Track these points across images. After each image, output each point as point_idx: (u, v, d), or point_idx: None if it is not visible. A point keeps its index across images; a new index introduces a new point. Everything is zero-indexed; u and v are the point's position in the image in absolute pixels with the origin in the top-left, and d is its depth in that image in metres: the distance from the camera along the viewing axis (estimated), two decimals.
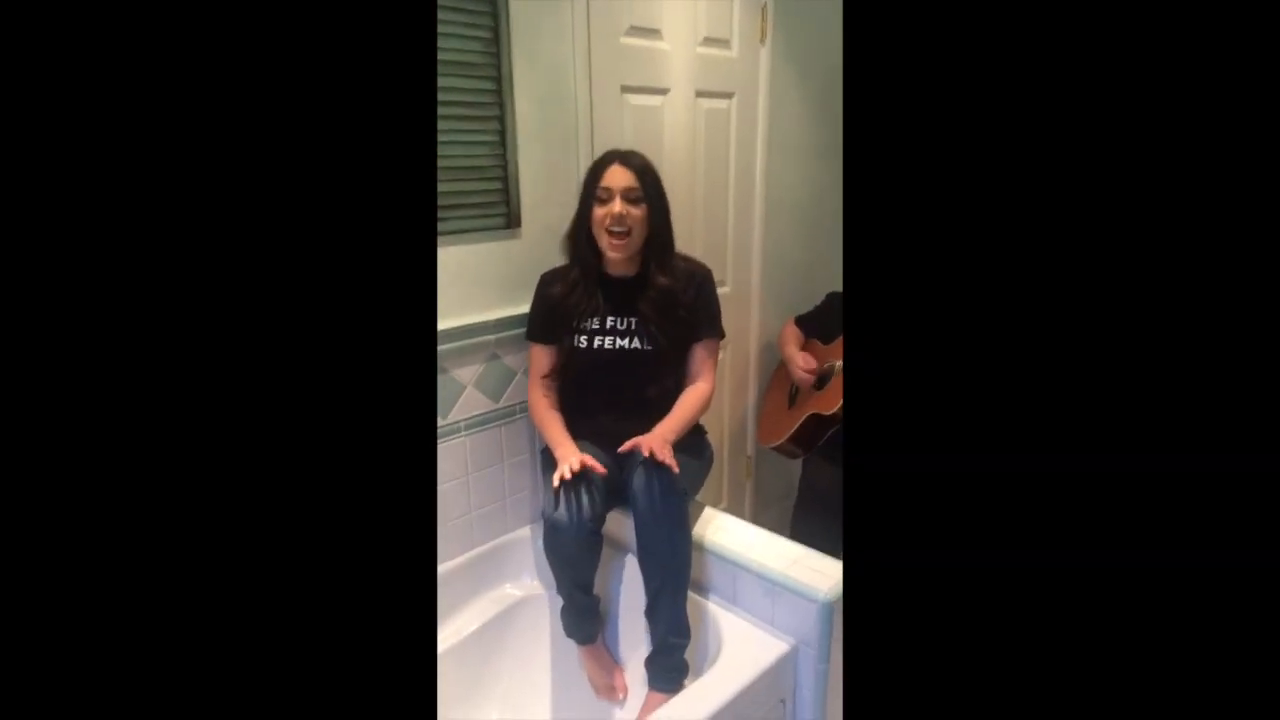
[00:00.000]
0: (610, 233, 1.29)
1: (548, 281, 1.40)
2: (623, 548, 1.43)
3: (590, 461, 1.22)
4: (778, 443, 1.91)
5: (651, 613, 1.27)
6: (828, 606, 1.17)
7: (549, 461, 1.36)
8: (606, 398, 1.37)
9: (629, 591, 1.41)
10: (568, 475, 1.20)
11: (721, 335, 1.44)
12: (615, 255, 1.32)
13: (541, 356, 1.40)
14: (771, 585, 1.24)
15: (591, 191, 1.31)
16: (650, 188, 1.31)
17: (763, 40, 1.83)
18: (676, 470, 1.21)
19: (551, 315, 1.37)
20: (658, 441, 1.23)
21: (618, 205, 1.28)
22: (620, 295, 1.37)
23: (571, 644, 1.39)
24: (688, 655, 1.29)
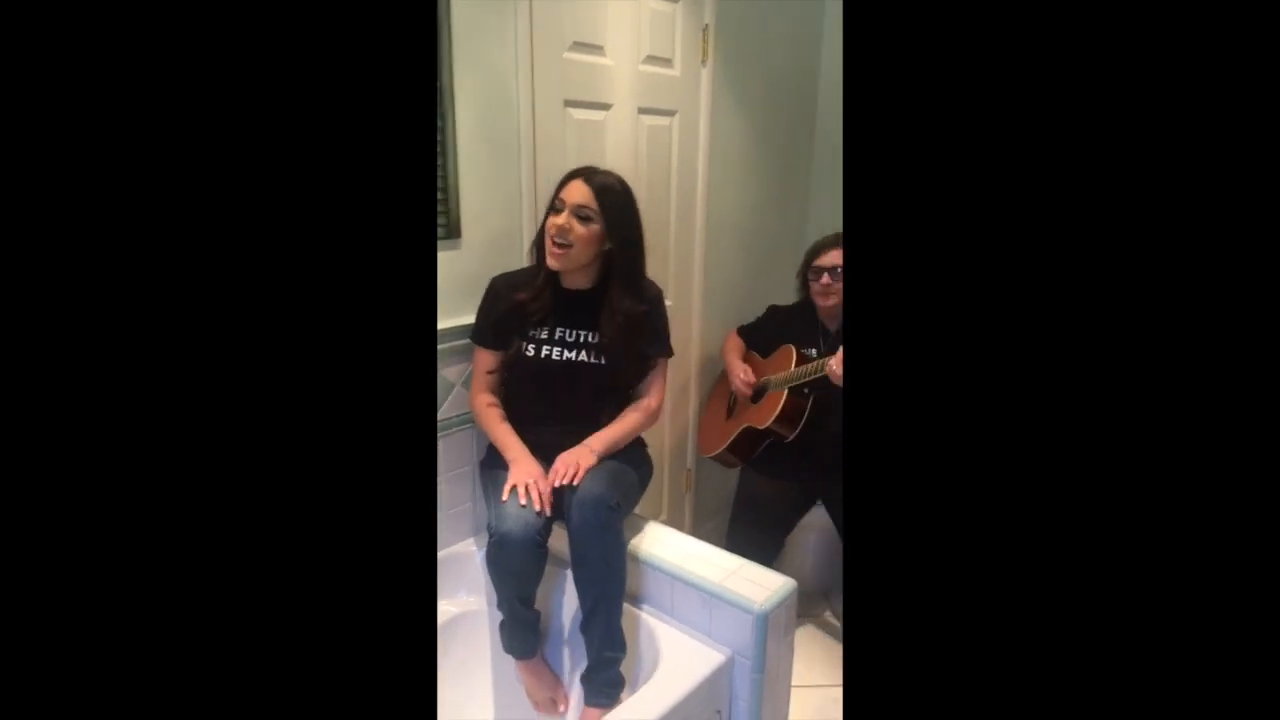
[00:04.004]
0: (553, 241, 1.30)
1: (505, 285, 1.38)
2: (564, 562, 1.43)
3: (545, 489, 1.24)
4: (716, 452, 1.94)
5: (587, 627, 1.27)
6: (763, 617, 1.20)
7: (492, 475, 1.35)
8: (548, 409, 1.37)
9: (571, 605, 1.41)
10: (533, 494, 1.22)
11: (671, 354, 1.46)
12: (553, 264, 1.32)
13: (489, 362, 1.39)
14: (708, 597, 1.26)
15: (551, 200, 1.32)
16: (609, 208, 1.30)
17: (704, 61, 1.87)
18: (576, 483, 1.23)
19: (506, 320, 1.36)
20: (575, 460, 1.26)
21: (563, 218, 1.28)
22: (571, 307, 1.37)
23: (512, 660, 1.38)
24: (624, 669, 1.29)
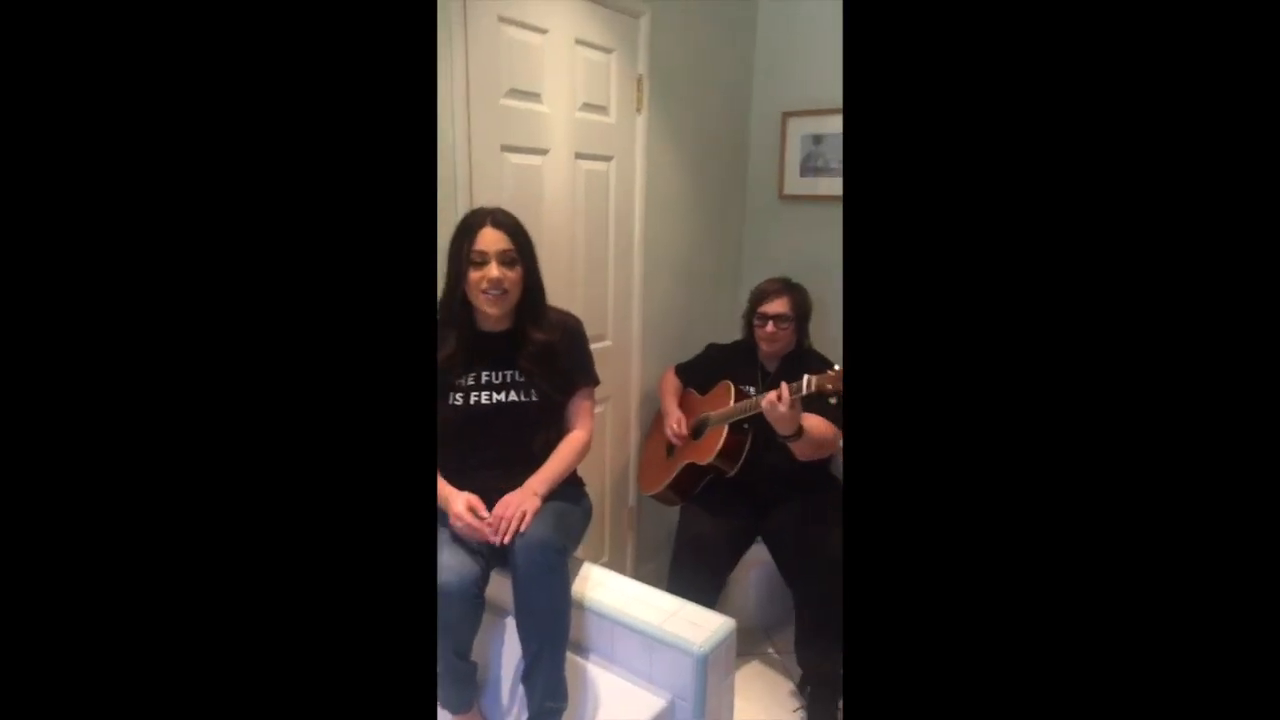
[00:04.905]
0: (486, 294, 1.30)
1: None
2: (502, 611, 1.40)
3: (475, 501, 1.24)
4: (657, 490, 1.94)
5: (529, 677, 1.25)
6: (703, 659, 1.20)
7: None
8: (486, 454, 1.35)
9: (510, 654, 1.38)
10: (464, 513, 1.22)
11: (596, 382, 1.48)
12: (494, 311, 1.32)
13: None
14: (649, 640, 1.25)
15: (464, 254, 1.30)
16: (523, 247, 1.32)
17: (639, 109, 1.92)
18: (524, 529, 1.23)
19: None
20: (519, 504, 1.25)
21: (494, 270, 1.28)
22: (494, 350, 1.37)
23: (447, 714, 1.33)
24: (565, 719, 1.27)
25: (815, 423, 1.64)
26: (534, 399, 1.36)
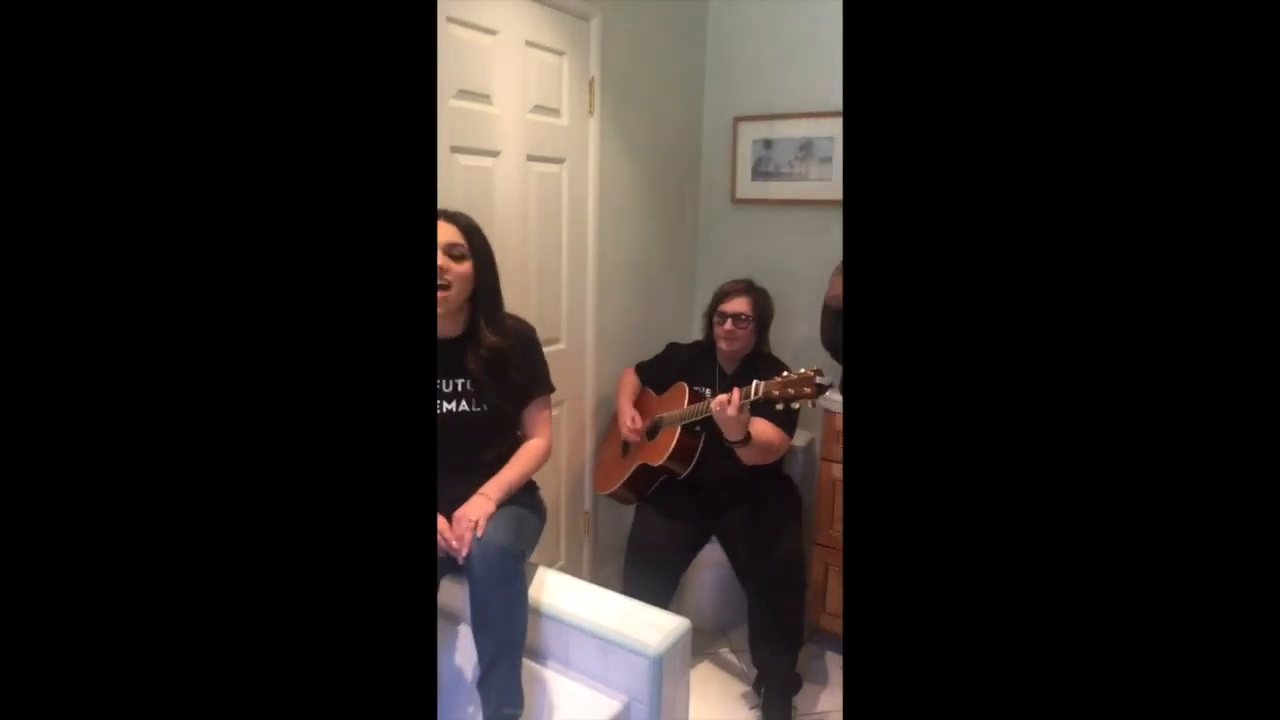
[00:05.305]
0: None
1: None
2: (453, 618, 1.38)
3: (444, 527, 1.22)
4: (612, 489, 1.95)
5: (484, 684, 1.23)
6: (658, 661, 1.20)
7: None
8: (439, 464, 1.33)
9: (463, 661, 1.36)
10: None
11: (552, 389, 1.47)
12: (439, 310, 1.30)
13: None
14: (604, 644, 1.25)
15: None
16: (477, 246, 1.32)
17: (591, 111, 1.92)
18: (480, 535, 1.22)
19: None
20: (474, 512, 1.25)
21: (439, 259, 1.27)
22: (445, 357, 1.35)
23: None
24: None
25: (763, 428, 1.65)
26: (484, 409, 1.35)
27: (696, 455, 1.78)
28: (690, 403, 1.79)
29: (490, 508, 1.26)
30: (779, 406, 1.51)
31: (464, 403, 1.34)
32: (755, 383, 1.51)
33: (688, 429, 1.76)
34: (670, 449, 1.76)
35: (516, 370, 1.38)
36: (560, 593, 1.36)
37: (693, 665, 1.90)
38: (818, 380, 1.44)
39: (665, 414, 1.84)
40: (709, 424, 1.68)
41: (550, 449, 1.44)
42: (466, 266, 1.30)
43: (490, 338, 1.34)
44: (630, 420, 1.89)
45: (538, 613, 1.33)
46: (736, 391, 1.52)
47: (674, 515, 1.82)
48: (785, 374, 1.49)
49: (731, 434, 1.57)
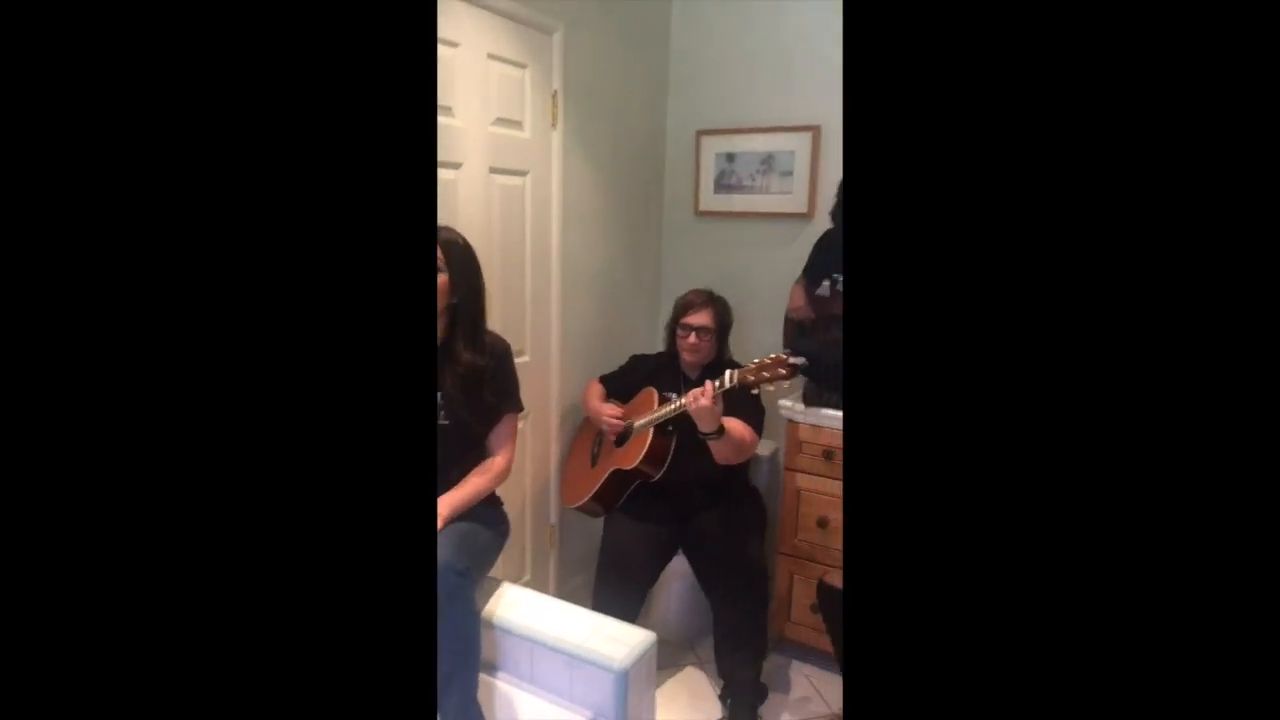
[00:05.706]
0: None
1: None
2: None
3: None
4: (581, 502, 1.94)
5: (442, 704, 1.21)
6: (623, 675, 1.19)
7: None
8: None
9: None
10: None
11: (520, 409, 1.46)
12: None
13: None
14: (569, 658, 1.24)
15: None
16: (455, 260, 1.31)
17: (554, 124, 1.93)
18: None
19: None
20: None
21: None
22: None
23: None
24: None
25: (735, 424, 1.68)
26: (450, 423, 1.34)
27: (669, 456, 1.79)
28: (660, 406, 1.80)
29: (436, 524, 1.25)
30: (754, 391, 1.54)
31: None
32: (728, 372, 1.54)
33: (660, 429, 1.77)
34: (644, 451, 1.76)
35: (490, 390, 1.37)
36: (525, 608, 1.35)
37: (661, 678, 1.90)
38: (791, 360, 1.47)
39: (636, 420, 1.84)
40: (681, 423, 1.69)
41: (510, 467, 1.43)
42: (442, 279, 1.29)
43: (467, 356, 1.33)
44: (610, 416, 1.89)
45: (503, 629, 1.31)
46: (709, 383, 1.55)
47: (646, 519, 1.82)
48: (757, 360, 1.52)
49: (706, 424, 1.59)
